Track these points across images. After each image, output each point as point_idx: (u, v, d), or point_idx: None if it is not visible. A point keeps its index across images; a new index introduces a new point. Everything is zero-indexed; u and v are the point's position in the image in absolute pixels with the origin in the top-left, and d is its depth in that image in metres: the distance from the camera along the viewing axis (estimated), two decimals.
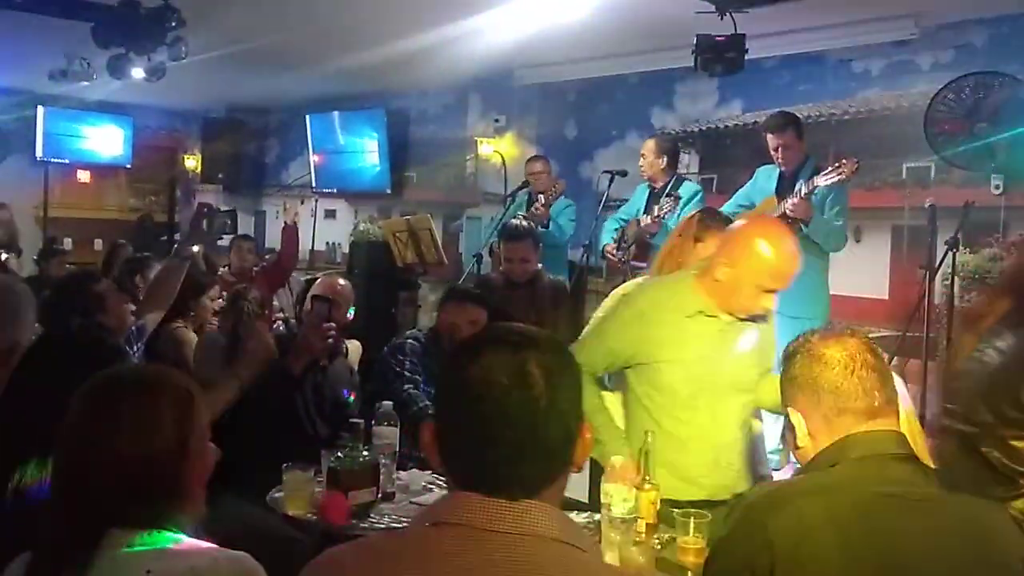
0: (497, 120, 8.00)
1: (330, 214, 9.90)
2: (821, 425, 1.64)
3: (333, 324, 3.23)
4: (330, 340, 3.25)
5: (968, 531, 1.50)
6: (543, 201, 5.83)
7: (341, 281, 3.64)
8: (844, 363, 1.63)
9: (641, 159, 5.56)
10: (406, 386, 3.46)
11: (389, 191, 8.93)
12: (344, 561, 1.21)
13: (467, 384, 1.16)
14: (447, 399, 1.22)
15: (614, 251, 5.50)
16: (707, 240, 2.90)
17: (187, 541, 1.45)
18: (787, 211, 4.58)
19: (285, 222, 6.91)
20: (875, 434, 1.60)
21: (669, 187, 5.35)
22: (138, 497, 1.43)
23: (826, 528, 1.45)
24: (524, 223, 4.95)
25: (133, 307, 3.81)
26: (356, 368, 3.95)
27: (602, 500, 2.30)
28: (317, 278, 3.86)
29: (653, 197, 5.39)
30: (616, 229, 5.53)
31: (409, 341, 3.64)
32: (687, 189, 5.35)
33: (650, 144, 5.58)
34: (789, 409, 1.70)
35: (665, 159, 5.46)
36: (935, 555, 1.46)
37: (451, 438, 1.18)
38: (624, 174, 5.75)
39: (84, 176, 10.39)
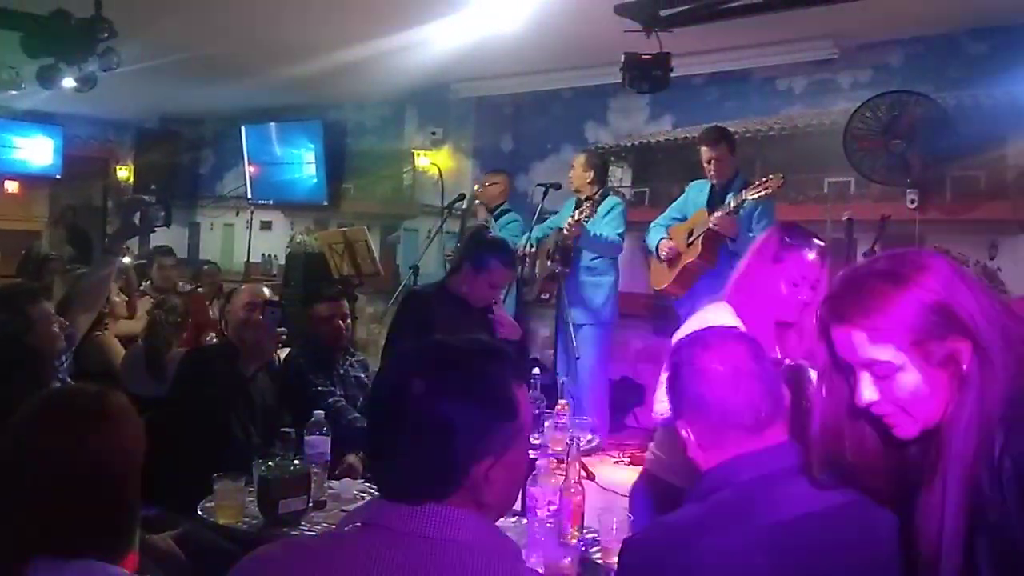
0: (434, 133, 8.06)
1: (266, 225, 9.83)
2: (709, 438, 1.63)
3: (285, 329, 3.29)
4: (281, 343, 3.32)
5: (861, 537, 1.51)
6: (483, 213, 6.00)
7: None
8: (728, 378, 1.61)
9: (570, 172, 5.73)
10: (331, 400, 3.55)
11: (326, 203, 8.91)
12: (267, 559, 1.27)
13: (371, 399, 1.30)
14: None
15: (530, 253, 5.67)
16: (787, 261, 2.64)
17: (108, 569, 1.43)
18: (712, 226, 4.72)
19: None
20: (762, 455, 1.58)
21: (595, 197, 5.49)
22: (65, 523, 1.41)
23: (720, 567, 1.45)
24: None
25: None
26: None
27: (527, 503, 2.37)
28: (234, 289, 3.92)
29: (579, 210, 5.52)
30: (540, 238, 5.69)
31: (299, 361, 3.74)
32: (607, 201, 5.51)
33: (579, 158, 5.77)
34: (679, 421, 1.68)
35: (592, 173, 5.61)
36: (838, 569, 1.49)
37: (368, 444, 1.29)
38: (558, 187, 5.87)
39: (12, 187, 10.16)
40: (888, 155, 5.26)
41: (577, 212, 5.35)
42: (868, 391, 1.38)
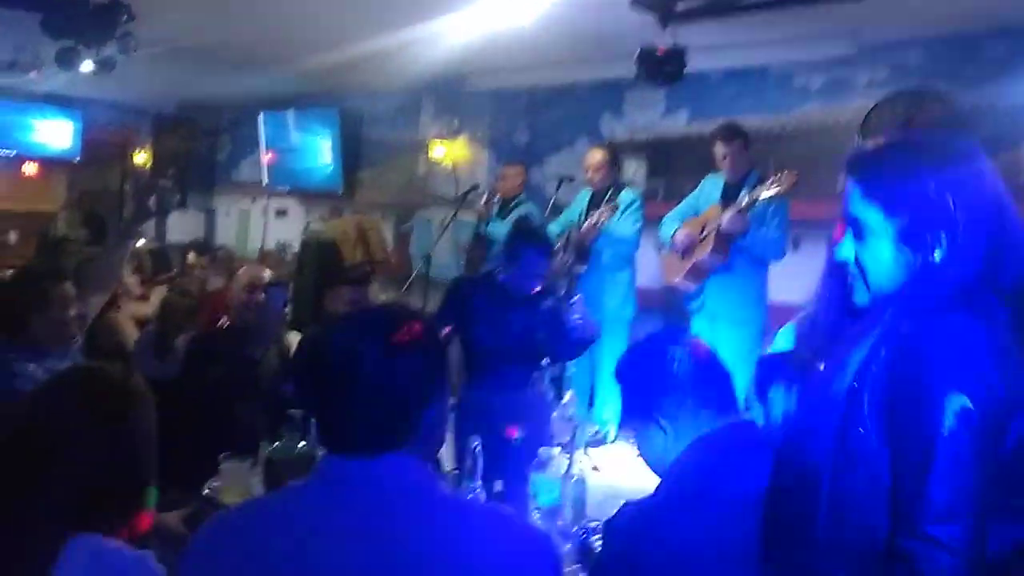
0: (449, 124, 8.07)
1: (281, 213, 9.87)
2: (687, 424, 1.69)
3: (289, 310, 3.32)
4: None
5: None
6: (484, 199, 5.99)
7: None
8: (693, 362, 1.70)
9: (585, 165, 5.67)
10: None
11: (341, 191, 8.94)
12: (229, 516, 1.41)
13: (311, 356, 1.37)
14: (303, 370, 1.40)
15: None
16: None
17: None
18: (722, 227, 4.71)
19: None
20: (727, 432, 1.66)
21: (609, 193, 5.47)
22: (95, 502, 1.44)
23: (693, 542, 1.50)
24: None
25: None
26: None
27: (529, 491, 2.38)
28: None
29: (593, 203, 5.50)
30: (558, 235, 5.66)
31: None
32: (625, 196, 5.47)
33: (594, 152, 5.69)
34: (657, 415, 1.73)
35: (607, 167, 5.57)
36: None
37: (306, 404, 1.34)
38: (572, 180, 5.86)
39: (31, 169, 10.24)
40: None
41: (597, 213, 5.29)
42: (843, 248, 1.42)
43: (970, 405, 1.20)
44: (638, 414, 1.76)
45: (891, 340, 1.30)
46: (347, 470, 1.29)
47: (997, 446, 1.23)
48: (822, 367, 1.42)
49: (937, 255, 1.33)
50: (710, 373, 1.71)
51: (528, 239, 3.46)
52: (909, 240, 1.34)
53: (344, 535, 1.23)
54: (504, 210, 6.16)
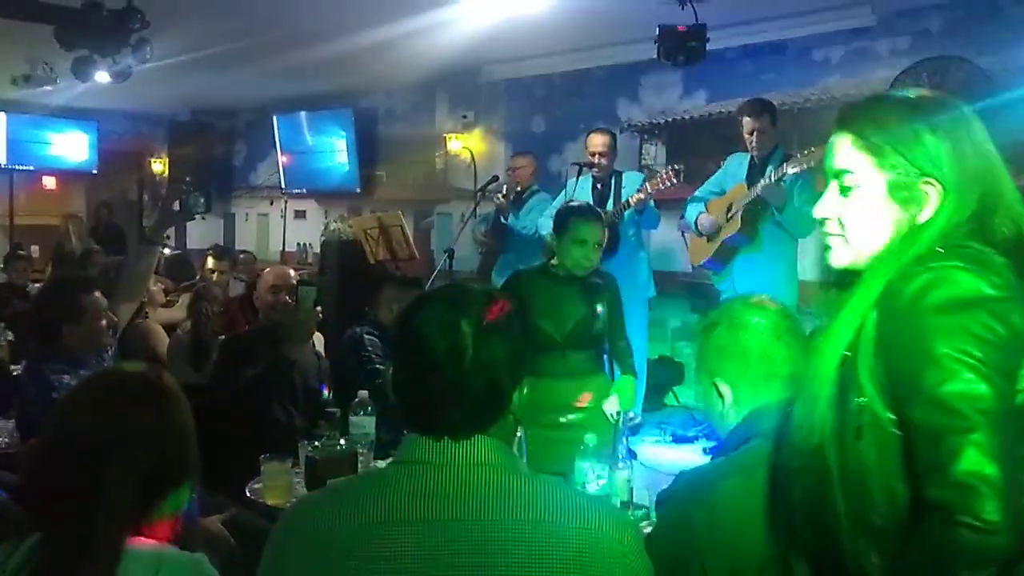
0: (465, 116, 8.04)
1: (300, 214, 9.89)
2: (748, 393, 1.63)
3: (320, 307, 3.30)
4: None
5: None
6: (504, 192, 5.92)
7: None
8: (771, 329, 1.63)
9: (596, 155, 5.45)
10: (378, 380, 3.50)
11: (359, 190, 8.94)
12: (314, 502, 1.40)
13: (404, 335, 1.31)
14: (394, 349, 1.39)
15: None
16: None
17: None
18: (759, 194, 4.62)
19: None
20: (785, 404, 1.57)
21: (612, 178, 5.36)
22: (146, 501, 1.44)
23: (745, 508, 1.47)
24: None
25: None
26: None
27: (576, 478, 2.35)
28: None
29: (596, 190, 5.38)
30: None
31: (366, 336, 3.68)
32: (634, 178, 5.37)
33: (599, 135, 5.52)
34: (716, 380, 1.67)
35: (612, 150, 5.44)
36: None
37: (397, 384, 1.32)
38: (592, 166, 5.79)
39: (50, 183, 10.30)
40: None
41: (636, 194, 5.13)
42: (824, 205, 1.35)
43: (974, 351, 1.14)
44: (701, 374, 1.72)
45: (880, 301, 1.24)
46: (435, 452, 1.26)
47: (1012, 385, 1.17)
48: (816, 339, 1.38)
49: (927, 210, 1.27)
50: (778, 346, 1.63)
51: (575, 210, 3.45)
52: (899, 193, 1.28)
53: (433, 518, 1.22)
54: (517, 201, 6.09)
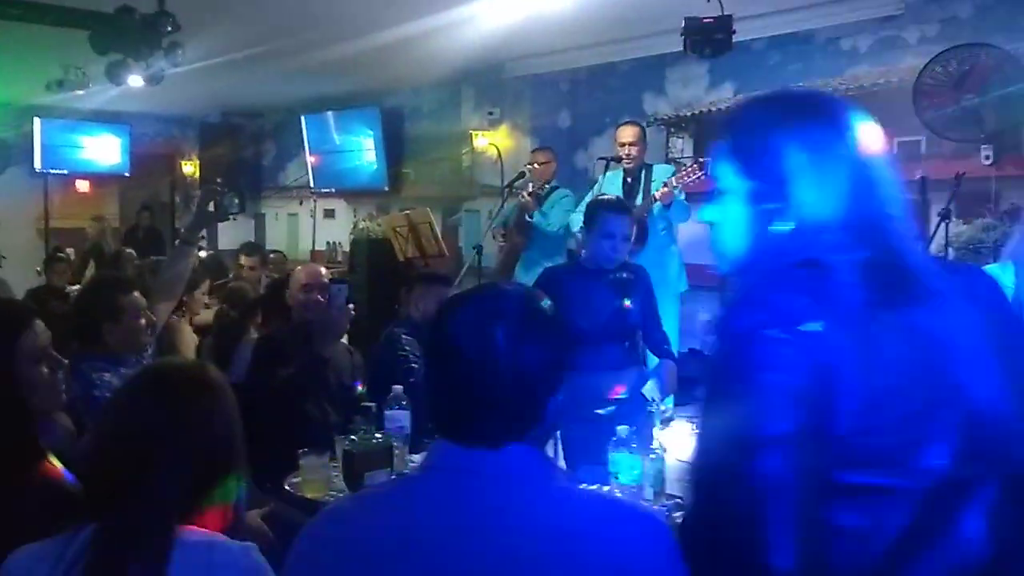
0: (491, 113, 8.06)
1: (329, 214, 9.96)
2: None
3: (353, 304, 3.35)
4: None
5: None
6: (530, 189, 5.92)
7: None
8: None
9: (626, 145, 5.45)
10: (411, 379, 3.54)
11: (387, 188, 9.00)
12: (343, 508, 1.37)
13: (436, 340, 1.26)
14: (426, 354, 1.34)
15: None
16: None
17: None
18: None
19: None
20: None
21: (641, 171, 5.36)
22: (197, 493, 1.48)
23: None
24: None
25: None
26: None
27: (610, 468, 2.37)
28: (288, 275, 3.99)
29: (626, 184, 5.37)
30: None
31: (403, 336, 3.72)
32: (664, 171, 5.37)
33: (628, 128, 5.51)
34: None
35: (642, 142, 5.44)
36: None
37: (429, 389, 1.27)
38: (619, 160, 5.78)
39: (83, 186, 10.46)
40: (960, 111, 5.10)
41: (664, 186, 5.12)
42: (705, 210, 1.36)
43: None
44: None
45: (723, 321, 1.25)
46: (468, 460, 1.21)
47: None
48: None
49: (784, 224, 1.24)
50: None
51: (603, 203, 3.47)
52: (759, 204, 1.26)
53: (463, 528, 1.17)
54: (539, 197, 6.08)
